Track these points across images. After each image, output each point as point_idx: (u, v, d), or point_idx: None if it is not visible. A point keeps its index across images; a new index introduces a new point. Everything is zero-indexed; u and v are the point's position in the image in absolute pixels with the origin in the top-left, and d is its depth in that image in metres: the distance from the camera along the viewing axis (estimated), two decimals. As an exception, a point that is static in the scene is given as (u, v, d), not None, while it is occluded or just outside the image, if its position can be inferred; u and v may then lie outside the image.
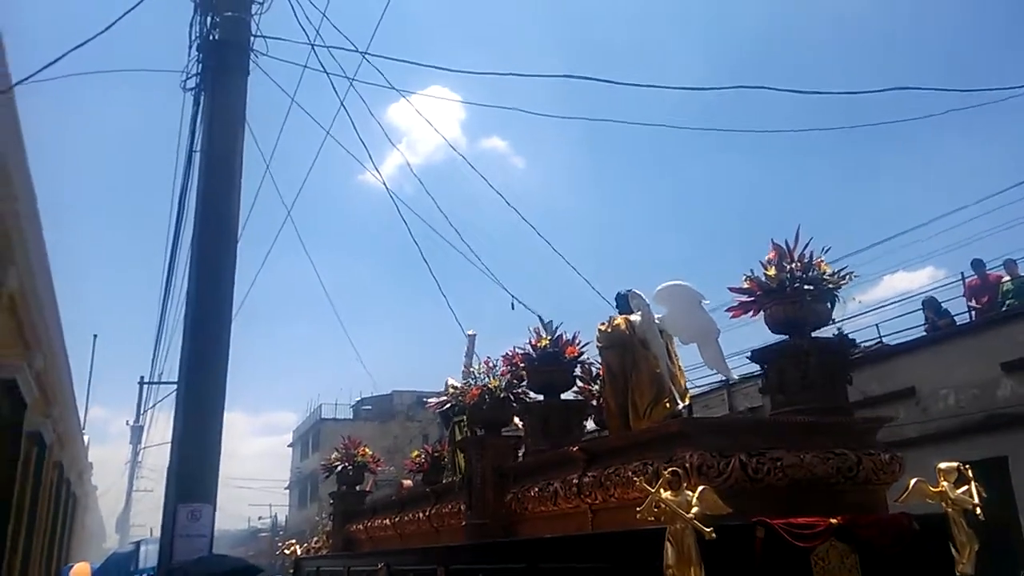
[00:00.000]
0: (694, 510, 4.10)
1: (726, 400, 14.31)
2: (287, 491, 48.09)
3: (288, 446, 49.26)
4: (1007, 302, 11.18)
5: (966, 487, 4.79)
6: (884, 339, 12.81)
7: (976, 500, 4.75)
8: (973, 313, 11.70)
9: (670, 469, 4.32)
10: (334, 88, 8.68)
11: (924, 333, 12.14)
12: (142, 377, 24.22)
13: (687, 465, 4.53)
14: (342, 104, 8.94)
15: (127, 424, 30.46)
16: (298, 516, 41.55)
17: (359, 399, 40.20)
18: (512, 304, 6.94)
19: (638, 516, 4.23)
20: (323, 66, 8.58)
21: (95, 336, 25.84)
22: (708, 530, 4.00)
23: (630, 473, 4.93)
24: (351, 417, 39.22)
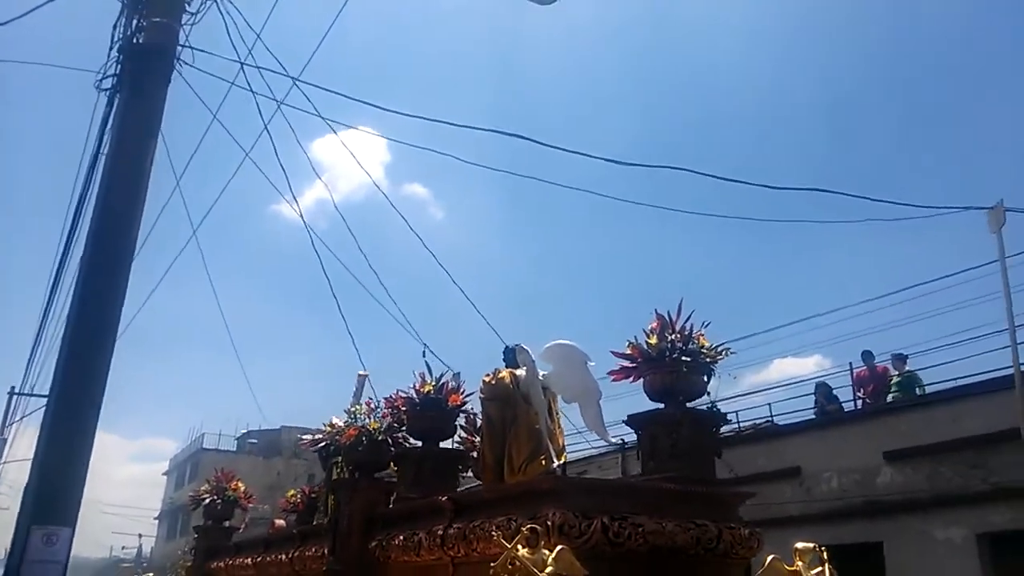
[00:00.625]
0: (548, 570, 4.00)
1: (620, 463, 14.35)
2: (156, 521, 45.27)
3: (163, 474, 46.61)
4: (892, 394, 11.69)
5: (820, 568, 4.85)
6: (774, 418, 13.20)
7: (827, 582, 4.81)
8: (859, 402, 12.16)
9: (529, 526, 4.22)
10: (259, 110, 8.42)
11: (813, 416, 12.52)
12: (13, 387, 22.39)
13: (549, 523, 4.44)
14: (266, 127, 8.69)
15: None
16: (165, 548, 39.02)
17: (244, 432, 38.57)
18: (424, 352, 6.76)
19: (492, 573, 4.10)
20: (250, 86, 8.37)
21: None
22: (558, 592, 3.91)
23: (494, 527, 4.79)
24: (234, 449, 37.52)
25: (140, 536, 45.86)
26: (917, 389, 11.53)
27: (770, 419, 13.31)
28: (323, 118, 8.99)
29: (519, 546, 4.08)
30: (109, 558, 50.33)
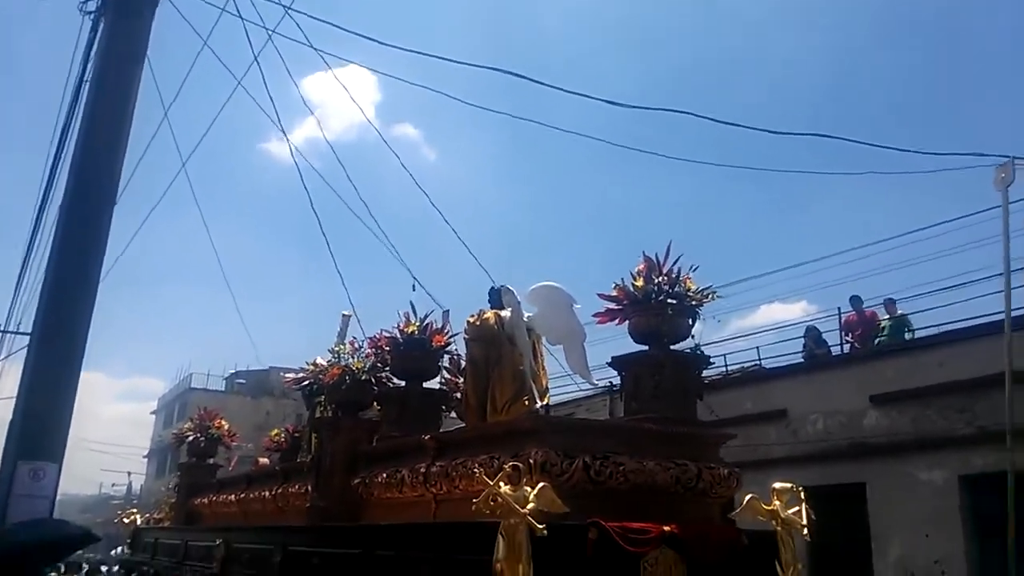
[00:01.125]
0: (530, 506, 4.03)
1: (608, 405, 14.52)
2: (145, 459, 45.82)
3: (151, 413, 46.99)
4: (880, 338, 11.80)
5: (797, 508, 4.94)
6: (761, 362, 13.33)
7: (805, 521, 4.90)
8: (847, 346, 12.27)
9: (511, 464, 4.24)
10: (248, 39, 8.14)
11: (801, 360, 12.63)
12: (5, 326, 22.22)
13: (531, 461, 4.47)
14: (256, 59, 8.38)
15: (-16, 380, 27.84)
16: (154, 486, 39.62)
17: (233, 372, 38.74)
18: (413, 285, 6.71)
19: (473, 508, 4.14)
20: (240, 14, 8.07)
21: None
22: (540, 527, 3.94)
23: (476, 466, 4.83)
24: (222, 389, 37.77)
25: (130, 474, 46.51)
26: (907, 333, 11.64)
27: (758, 363, 13.45)
28: (315, 49, 8.70)
29: (501, 483, 4.11)
30: (99, 495, 51.10)
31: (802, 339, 13.04)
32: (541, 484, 4.19)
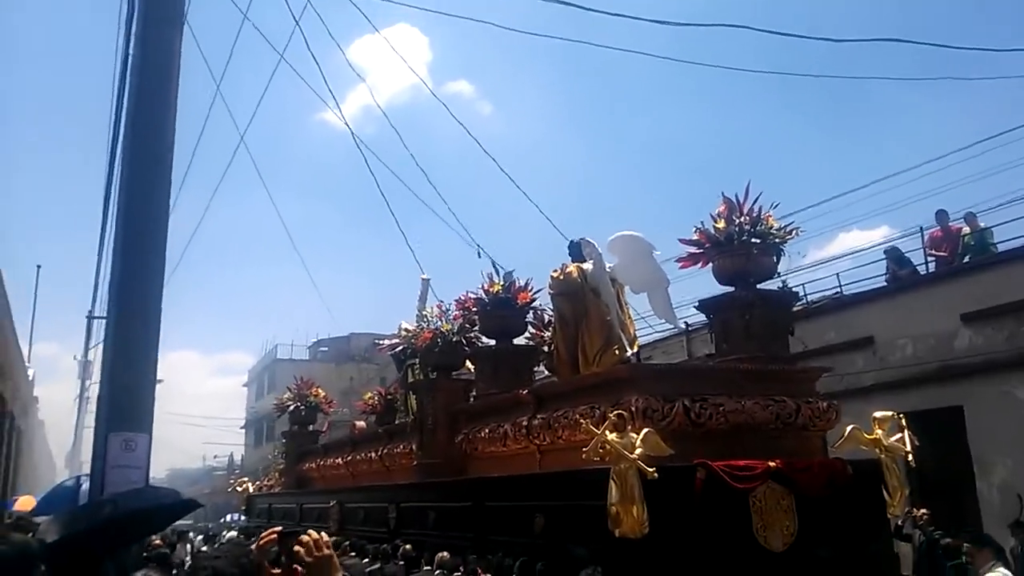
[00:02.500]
0: (638, 451, 4.21)
1: (685, 347, 14.50)
2: (242, 430, 47.92)
3: (243, 386, 48.93)
4: (967, 255, 11.34)
5: (900, 435, 4.97)
6: (843, 290, 13.02)
7: (908, 448, 4.94)
8: (934, 263, 11.83)
9: (616, 412, 4.41)
10: (288, 6, 8.17)
11: (884, 284, 12.25)
12: (90, 311, 23.45)
13: (632, 409, 4.63)
14: (297, 23, 8.40)
15: (75, 359, 29.46)
16: (253, 455, 41.52)
17: (315, 340, 39.95)
18: (479, 252, 6.86)
19: (584, 456, 4.32)
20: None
21: (39, 267, 24.44)
22: (651, 470, 4.12)
23: (578, 416, 5.02)
24: (307, 358, 39.02)
25: (230, 446, 48.96)
26: (991, 247, 11.18)
27: (839, 290, 13.15)
28: (360, 10, 8.62)
29: (607, 431, 4.28)
30: (203, 467, 53.93)
31: (883, 262, 12.64)
32: (646, 429, 4.36)
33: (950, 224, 11.62)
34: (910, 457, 4.89)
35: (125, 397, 5.50)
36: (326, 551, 1.80)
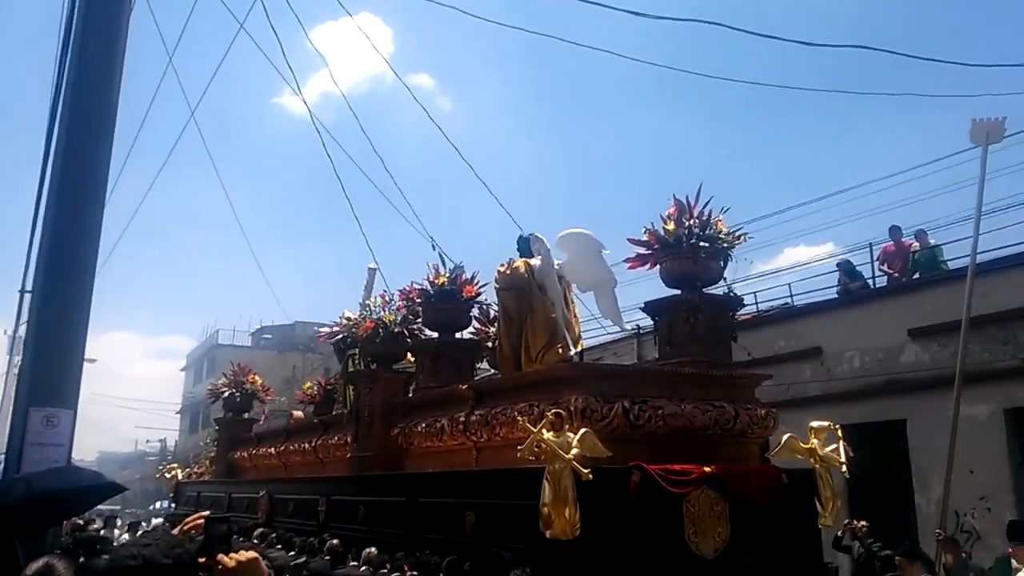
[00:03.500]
0: (574, 451, 4.20)
1: (636, 349, 14.63)
2: (178, 416, 47.12)
3: (181, 370, 48.09)
4: (916, 271, 11.61)
5: (835, 445, 5.07)
6: (794, 300, 13.27)
7: (843, 459, 5.04)
8: (885, 278, 12.08)
9: (553, 411, 4.41)
10: None
11: (835, 296, 12.50)
12: (23, 285, 22.63)
13: (572, 408, 4.63)
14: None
15: (3, 334, 28.42)
16: (188, 441, 40.82)
17: (259, 327, 39.45)
18: (432, 244, 6.79)
19: (519, 454, 4.31)
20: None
21: None
22: (585, 471, 4.12)
23: (516, 413, 5.00)
24: (249, 345, 38.52)
25: (163, 431, 48.00)
26: (941, 264, 11.50)
27: (789, 300, 13.40)
28: None
29: (544, 430, 4.27)
30: (135, 452, 52.83)
31: (835, 274, 12.90)
32: (583, 430, 4.36)
33: (903, 240, 11.94)
34: (844, 468, 4.98)
35: (49, 370, 5.20)
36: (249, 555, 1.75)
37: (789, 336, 12.20)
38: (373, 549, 5.56)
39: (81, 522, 12.89)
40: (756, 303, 13.88)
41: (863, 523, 8.85)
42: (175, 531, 2.01)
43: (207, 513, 1.91)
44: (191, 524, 1.94)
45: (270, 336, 38.46)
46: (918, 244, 11.81)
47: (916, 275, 11.61)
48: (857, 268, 12.58)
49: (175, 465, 13.79)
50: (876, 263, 12.34)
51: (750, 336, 12.38)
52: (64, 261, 5.41)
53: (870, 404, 10.66)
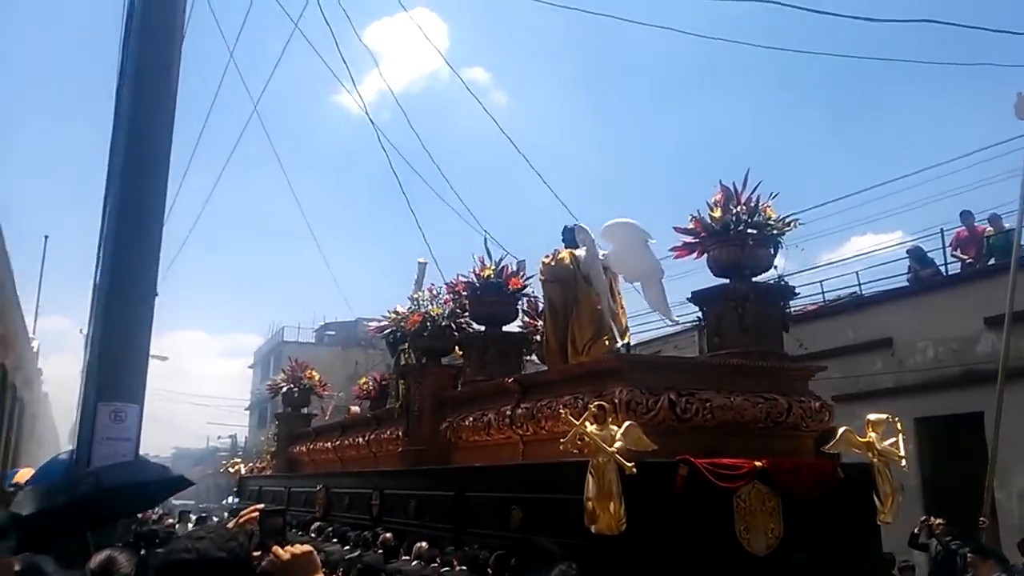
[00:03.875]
0: (617, 444, 4.14)
1: (697, 341, 14.44)
2: (247, 412, 48.45)
3: (249, 367, 49.40)
4: (991, 256, 11.19)
5: (894, 439, 4.90)
6: (862, 290, 12.90)
7: (902, 452, 4.88)
8: (958, 265, 11.69)
9: (596, 403, 4.37)
10: None
11: (906, 284, 12.14)
12: (95, 282, 23.52)
13: (616, 400, 4.57)
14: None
15: (80, 333, 29.74)
16: (257, 437, 42.02)
17: (322, 324, 40.27)
18: (485, 239, 6.81)
19: (561, 447, 4.29)
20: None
21: (46, 237, 24.61)
22: (629, 465, 4.06)
23: (561, 406, 4.97)
24: (313, 341, 39.36)
25: (233, 427, 49.56)
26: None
27: (857, 288, 13.03)
28: None
29: (587, 422, 4.24)
30: (207, 448, 54.63)
31: (905, 261, 12.49)
32: (628, 422, 4.31)
33: (976, 225, 11.49)
34: (903, 462, 4.82)
35: (115, 365, 5.29)
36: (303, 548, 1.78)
37: (858, 326, 11.87)
38: (424, 543, 5.62)
39: (155, 516, 13.43)
40: (823, 292, 13.55)
41: (940, 520, 8.57)
42: (231, 524, 2.06)
43: (262, 506, 1.95)
44: (246, 517, 1.99)
45: (334, 332, 39.22)
46: (992, 228, 11.37)
47: (991, 261, 11.18)
48: (928, 254, 12.18)
49: (239, 460, 14.21)
50: (949, 249, 11.92)
51: (816, 327, 12.12)
52: (127, 257, 5.50)
53: (945, 396, 10.31)
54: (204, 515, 15.92)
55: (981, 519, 7.38)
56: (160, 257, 5.78)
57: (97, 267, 5.92)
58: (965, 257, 11.58)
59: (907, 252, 12.48)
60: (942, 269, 12.00)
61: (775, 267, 5.26)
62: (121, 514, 5.17)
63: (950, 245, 11.87)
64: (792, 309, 13.19)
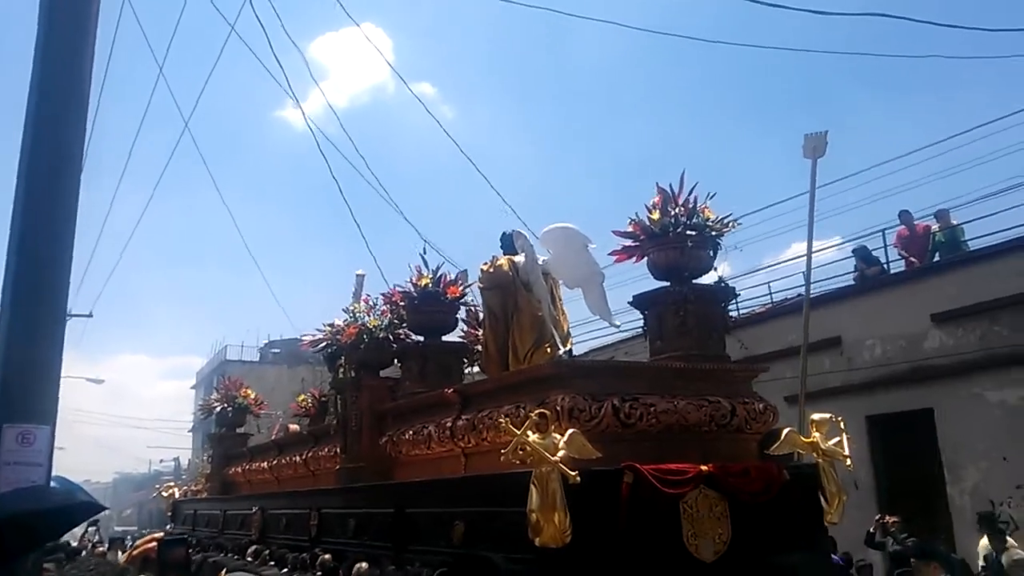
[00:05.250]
0: (560, 453, 4.11)
1: (648, 347, 14.51)
2: (190, 434, 47.45)
3: (191, 388, 48.45)
4: (936, 252, 11.47)
5: (838, 439, 4.98)
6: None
7: (847, 452, 4.95)
8: (904, 263, 11.94)
9: (537, 411, 4.33)
10: None
11: (852, 283, 12.37)
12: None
13: (558, 408, 4.55)
14: (256, 17, 8.03)
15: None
16: (200, 459, 41.23)
17: (267, 342, 39.68)
18: (424, 248, 6.74)
19: (502, 458, 4.25)
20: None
21: None
22: (573, 474, 4.03)
23: (502, 416, 4.93)
24: (257, 360, 38.75)
25: (175, 449, 48.43)
26: (963, 245, 11.34)
27: (803, 288, 13.25)
28: (341, 5, 8.29)
29: (529, 431, 4.20)
30: (150, 472, 53.38)
31: (847, 262, 12.76)
32: (571, 430, 4.28)
33: (916, 223, 11.81)
34: (848, 462, 4.90)
35: (22, 384, 5.01)
36: None
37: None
38: (364, 564, 5.51)
39: (90, 544, 13.00)
40: (771, 294, 13.80)
41: (894, 518, 8.73)
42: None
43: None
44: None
45: (279, 350, 38.65)
46: (938, 225, 11.66)
47: (936, 257, 11.47)
48: (873, 253, 12.46)
49: (171, 483, 13.85)
50: (895, 247, 12.20)
51: (764, 329, 12.31)
52: (34, 266, 5.21)
53: (895, 394, 10.53)
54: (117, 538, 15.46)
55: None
56: (71, 273, 5.54)
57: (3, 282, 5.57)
58: (908, 256, 11.88)
59: (852, 251, 12.71)
60: (887, 268, 12.29)
61: (715, 269, 5.30)
62: (24, 548, 4.88)
63: (894, 244, 12.16)
64: (739, 312, 13.42)
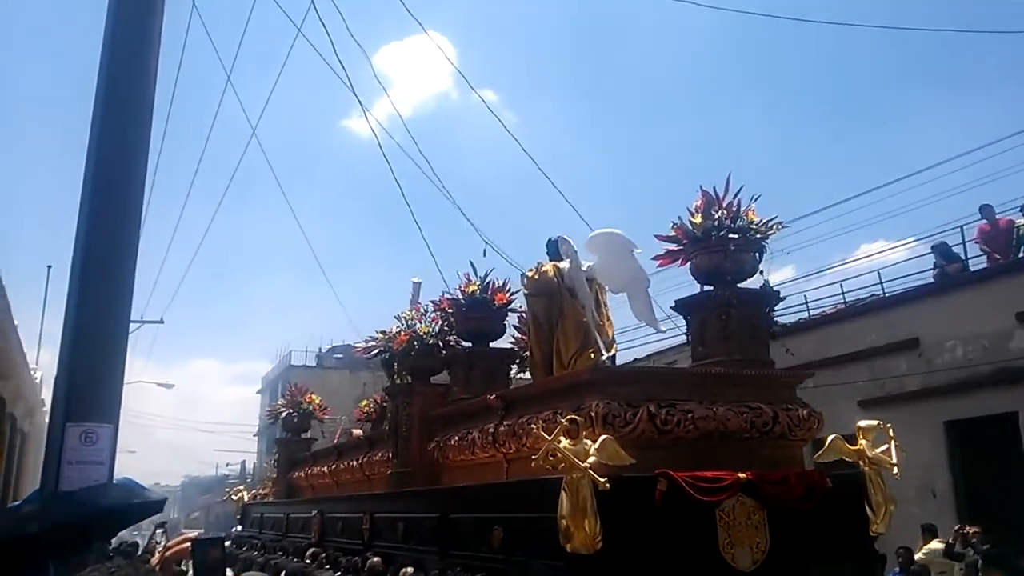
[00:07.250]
0: (591, 459, 4.23)
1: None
2: (256, 438, 48.91)
3: (257, 392, 49.95)
4: (1021, 248, 11.08)
5: (886, 446, 4.97)
6: (885, 289, 12.83)
7: (895, 460, 4.94)
8: (986, 259, 11.58)
9: (568, 417, 4.48)
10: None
11: (931, 281, 12.04)
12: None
13: (592, 414, 4.68)
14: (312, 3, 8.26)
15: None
16: (265, 463, 42.46)
17: (329, 347, 40.66)
18: (484, 250, 6.93)
19: (533, 464, 4.40)
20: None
21: (49, 267, 25.02)
22: (603, 480, 4.16)
23: (540, 422, 5.10)
24: (321, 365, 39.76)
25: (242, 453, 50.11)
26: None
27: (879, 287, 12.95)
28: (407, 8, 8.51)
29: (560, 438, 4.35)
30: (216, 475, 55.31)
31: (926, 259, 12.41)
32: (603, 436, 4.41)
33: (998, 218, 11.42)
34: (895, 470, 4.89)
35: (85, 381, 4.92)
36: None
37: (882, 328, 11.80)
38: (410, 568, 5.75)
39: (156, 547, 13.68)
40: (843, 293, 13.53)
41: (975, 528, 8.51)
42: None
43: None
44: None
45: (340, 356, 39.58)
46: (1023, 219, 11.27)
47: (1021, 253, 11.07)
48: (953, 249, 12.10)
49: (242, 487, 14.45)
50: (976, 243, 11.81)
51: (839, 329, 12.10)
52: (100, 264, 5.43)
53: (976, 397, 10.22)
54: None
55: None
56: (135, 276, 5.86)
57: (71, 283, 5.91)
58: (992, 251, 11.48)
59: (932, 248, 12.33)
60: (968, 264, 11.92)
61: (760, 272, 5.35)
62: (80, 546, 5.08)
63: (975, 240, 11.79)
64: (810, 314, 13.19)
